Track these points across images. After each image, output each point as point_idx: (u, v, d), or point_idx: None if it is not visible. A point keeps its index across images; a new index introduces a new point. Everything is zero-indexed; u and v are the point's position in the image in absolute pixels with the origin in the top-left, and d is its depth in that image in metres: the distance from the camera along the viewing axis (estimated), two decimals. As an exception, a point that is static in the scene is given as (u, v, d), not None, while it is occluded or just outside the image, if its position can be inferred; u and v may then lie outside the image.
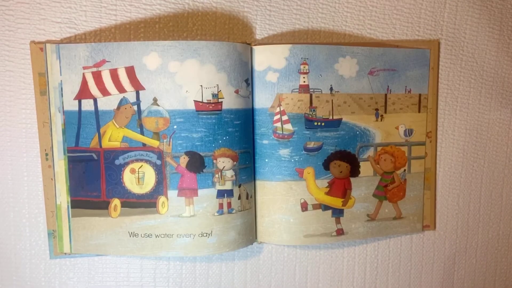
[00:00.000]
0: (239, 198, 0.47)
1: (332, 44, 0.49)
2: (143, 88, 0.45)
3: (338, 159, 0.49)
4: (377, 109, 0.50)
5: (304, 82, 0.47)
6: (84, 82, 0.45)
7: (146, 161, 0.46)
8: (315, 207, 0.49)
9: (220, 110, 0.46)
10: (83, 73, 0.45)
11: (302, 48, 0.47)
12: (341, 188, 0.49)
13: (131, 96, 0.46)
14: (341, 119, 0.49)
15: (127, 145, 0.46)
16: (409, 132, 0.50)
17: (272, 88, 0.47)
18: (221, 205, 0.47)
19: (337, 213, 0.50)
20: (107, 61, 0.45)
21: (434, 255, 0.53)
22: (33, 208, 0.47)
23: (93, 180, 0.46)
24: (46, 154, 0.45)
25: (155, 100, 0.45)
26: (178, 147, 0.46)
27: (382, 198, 0.50)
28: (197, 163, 0.46)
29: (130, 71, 0.45)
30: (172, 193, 0.47)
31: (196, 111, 0.46)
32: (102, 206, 0.46)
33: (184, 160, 0.46)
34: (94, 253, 0.47)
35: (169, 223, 0.46)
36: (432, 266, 0.53)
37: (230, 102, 0.46)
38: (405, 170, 0.51)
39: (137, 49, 0.45)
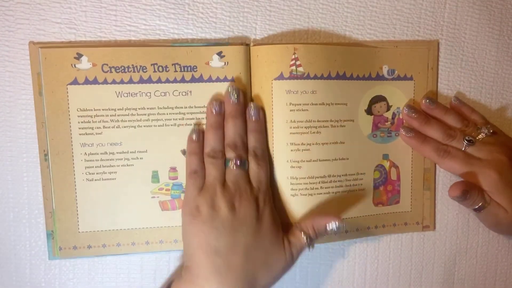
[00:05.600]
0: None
1: (332, 44, 0.49)
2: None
3: None
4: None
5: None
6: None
7: None
8: None
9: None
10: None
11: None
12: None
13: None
14: None
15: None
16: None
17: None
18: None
19: None
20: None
21: (435, 255, 0.53)
22: (33, 208, 0.47)
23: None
24: (45, 155, 0.45)
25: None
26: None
27: None
28: None
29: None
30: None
31: None
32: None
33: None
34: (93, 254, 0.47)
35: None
36: (432, 266, 0.53)
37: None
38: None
39: None
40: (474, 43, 0.51)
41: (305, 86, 0.46)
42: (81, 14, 0.46)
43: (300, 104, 0.46)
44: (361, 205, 0.49)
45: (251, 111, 0.45)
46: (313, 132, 0.46)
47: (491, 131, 0.48)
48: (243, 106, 0.45)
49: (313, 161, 0.46)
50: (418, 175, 0.51)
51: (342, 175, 0.48)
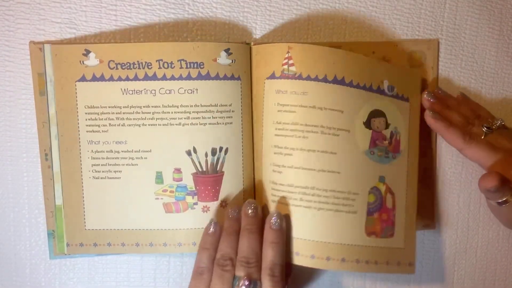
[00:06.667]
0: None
1: (332, 44, 0.49)
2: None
3: None
4: None
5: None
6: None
7: None
8: None
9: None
10: (83, 74, 0.45)
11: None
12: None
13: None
14: None
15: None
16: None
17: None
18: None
19: None
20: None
21: (434, 255, 0.53)
22: (33, 208, 0.47)
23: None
24: (46, 155, 0.45)
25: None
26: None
27: None
28: None
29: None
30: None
31: None
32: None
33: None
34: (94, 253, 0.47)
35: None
36: (432, 266, 0.53)
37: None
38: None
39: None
40: (474, 43, 0.51)
41: (296, 87, 0.42)
42: (81, 14, 0.46)
43: (288, 105, 0.42)
44: (351, 231, 0.43)
45: (273, 218, 0.41)
46: (298, 136, 0.42)
47: (503, 123, 0.48)
48: (260, 220, 0.42)
49: (294, 168, 0.42)
50: (412, 204, 0.47)
51: (330, 190, 0.42)
